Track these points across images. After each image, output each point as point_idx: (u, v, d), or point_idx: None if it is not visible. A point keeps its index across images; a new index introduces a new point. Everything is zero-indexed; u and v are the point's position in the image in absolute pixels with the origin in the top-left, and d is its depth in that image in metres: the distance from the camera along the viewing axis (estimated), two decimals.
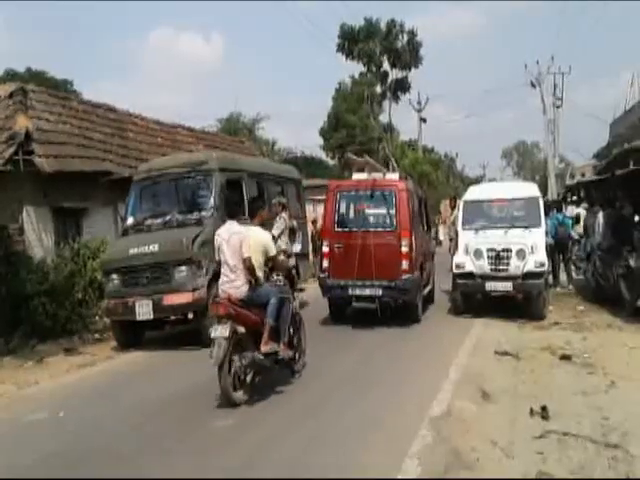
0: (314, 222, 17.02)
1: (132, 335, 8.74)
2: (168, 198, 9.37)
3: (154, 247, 8.20)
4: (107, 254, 9.03)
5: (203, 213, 8.75)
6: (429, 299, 10.87)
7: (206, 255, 8.27)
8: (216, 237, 6.03)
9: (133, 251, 8.29)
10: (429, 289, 10.86)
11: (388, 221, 9.39)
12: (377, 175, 10.09)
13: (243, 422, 5.11)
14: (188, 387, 6.36)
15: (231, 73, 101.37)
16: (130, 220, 9.27)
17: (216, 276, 7.74)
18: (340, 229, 9.59)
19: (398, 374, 6.51)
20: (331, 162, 42.66)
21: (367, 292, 9.20)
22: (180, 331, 9.29)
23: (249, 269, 5.73)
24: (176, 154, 13.39)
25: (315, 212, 22.18)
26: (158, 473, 4.14)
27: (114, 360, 8.16)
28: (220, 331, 5.39)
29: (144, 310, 8.11)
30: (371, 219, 9.53)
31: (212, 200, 8.78)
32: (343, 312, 9.84)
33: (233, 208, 6.44)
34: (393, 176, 10.37)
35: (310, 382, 6.21)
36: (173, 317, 8.78)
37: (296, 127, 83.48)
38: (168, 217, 8.92)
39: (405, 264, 9.13)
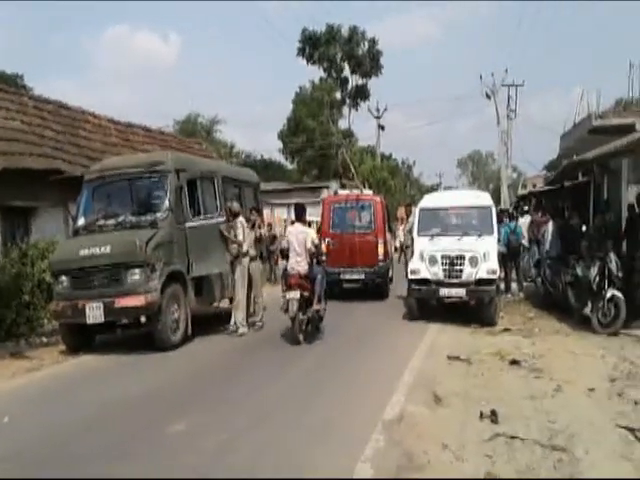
0: (270, 226, 16.96)
1: (82, 339, 8.50)
2: (121, 199, 9.15)
3: (106, 249, 7.98)
4: (56, 255, 8.74)
5: (158, 215, 8.57)
6: (390, 280, 13.73)
7: (160, 258, 8.13)
8: (287, 234, 8.97)
9: (84, 252, 8.05)
10: (391, 274, 13.90)
11: (368, 224, 12.90)
12: (356, 191, 14.06)
13: (196, 426, 5.03)
14: (139, 392, 6.24)
15: (189, 74, 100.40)
16: (81, 221, 9.01)
17: (169, 279, 7.70)
18: (333, 231, 12.73)
19: (354, 378, 6.55)
20: (290, 166, 42.61)
21: (354, 276, 12.67)
22: (132, 335, 9.10)
23: (311, 255, 8.50)
24: (131, 154, 13.14)
25: (273, 216, 22.14)
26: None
27: (62, 364, 7.91)
28: (293, 294, 8.15)
29: (95, 313, 7.89)
30: (356, 223, 12.99)
31: (167, 202, 8.60)
32: (333, 292, 11.53)
33: (299, 214, 8.95)
34: (369, 192, 14.91)
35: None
36: (125, 320, 8.58)
37: (255, 130, 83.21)
38: (121, 218, 8.71)
39: (380, 255, 12.59)
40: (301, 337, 8.30)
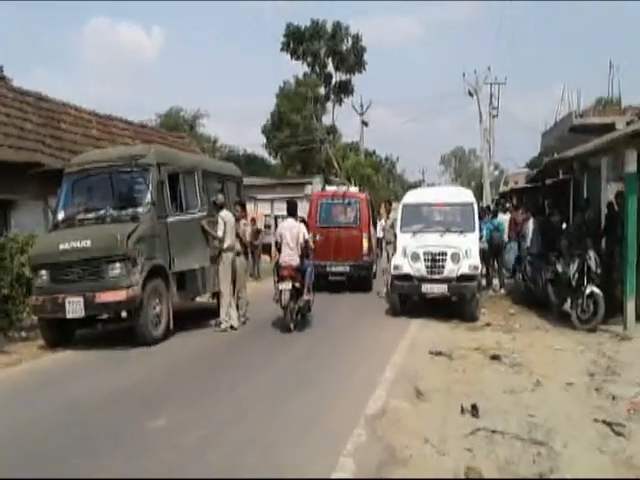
0: (253, 221, 16.88)
1: (61, 334, 8.38)
2: (102, 192, 9.03)
3: (86, 242, 7.88)
4: (36, 249, 8.61)
5: (139, 209, 8.47)
6: (374, 275, 14.25)
7: (141, 252, 8.05)
8: (279, 228, 9.51)
9: (64, 246, 7.95)
10: (375, 268, 14.44)
11: (353, 220, 13.57)
12: (343, 188, 14.89)
13: (177, 421, 5.00)
14: (119, 387, 6.18)
15: (172, 68, 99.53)
16: (61, 214, 8.88)
17: (151, 273, 7.58)
18: (320, 225, 13.30)
19: (337, 373, 6.56)
20: (274, 161, 42.46)
21: (339, 269, 13.32)
22: (113, 330, 9.01)
23: (303, 248, 9.06)
24: (112, 147, 13.00)
25: (256, 211, 22.03)
26: (88, 475, 3.99)
27: (41, 359, 7.79)
28: (285, 285, 8.71)
29: (75, 308, 7.80)
30: (342, 218, 13.68)
31: (149, 196, 8.51)
32: (319, 284, 11.67)
33: (292, 210, 9.50)
34: (355, 189, 15.60)
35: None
36: (106, 315, 8.49)
37: (238, 125, 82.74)
38: (102, 212, 8.59)
39: (365, 249, 13.28)
40: (292, 325, 8.83)
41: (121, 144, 14.38)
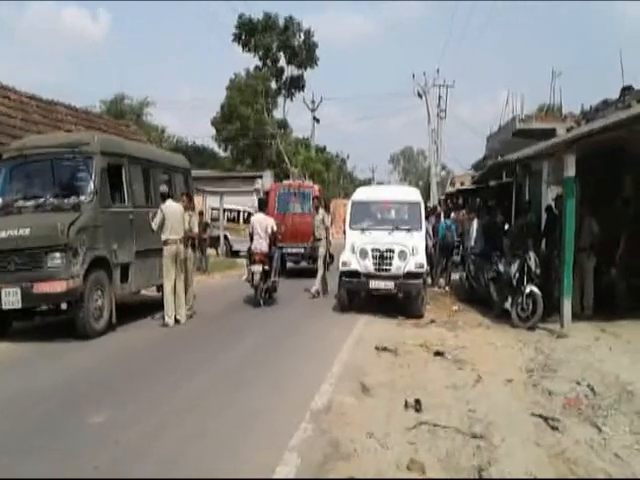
0: (201, 214, 16.60)
1: None
2: (43, 180, 8.66)
3: (24, 231, 7.55)
4: None
5: (82, 198, 8.19)
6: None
7: (83, 242, 7.79)
8: (252, 221, 11.07)
9: (0, 234, 7.59)
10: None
11: (307, 208, 15.54)
12: (299, 181, 17.42)
13: (117, 417, 4.87)
14: (57, 382, 5.96)
15: (118, 54, 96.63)
16: None
17: (93, 265, 7.42)
18: (278, 213, 15.24)
19: (284, 370, 6.54)
20: (223, 154, 41.91)
21: (294, 251, 15.42)
22: (53, 322, 8.69)
23: (272, 238, 10.76)
24: (54, 133, 12.51)
25: (205, 204, 21.63)
26: (23, 473, 3.84)
27: None
28: (256, 267, 10.38)
29: (11, 299, 7.46)
30: (297, 207, 16.07)
31: (92, 184, 8.24)
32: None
33: (262, 206, 11.84)
34: (309, 182, 18.23)
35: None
36: (45, 307, 8.18)
37: (187, 115, 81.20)
38: (42, 200, 8.26)
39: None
40: (261, 301, 10.51)
41: (64, 130, 13.84)
